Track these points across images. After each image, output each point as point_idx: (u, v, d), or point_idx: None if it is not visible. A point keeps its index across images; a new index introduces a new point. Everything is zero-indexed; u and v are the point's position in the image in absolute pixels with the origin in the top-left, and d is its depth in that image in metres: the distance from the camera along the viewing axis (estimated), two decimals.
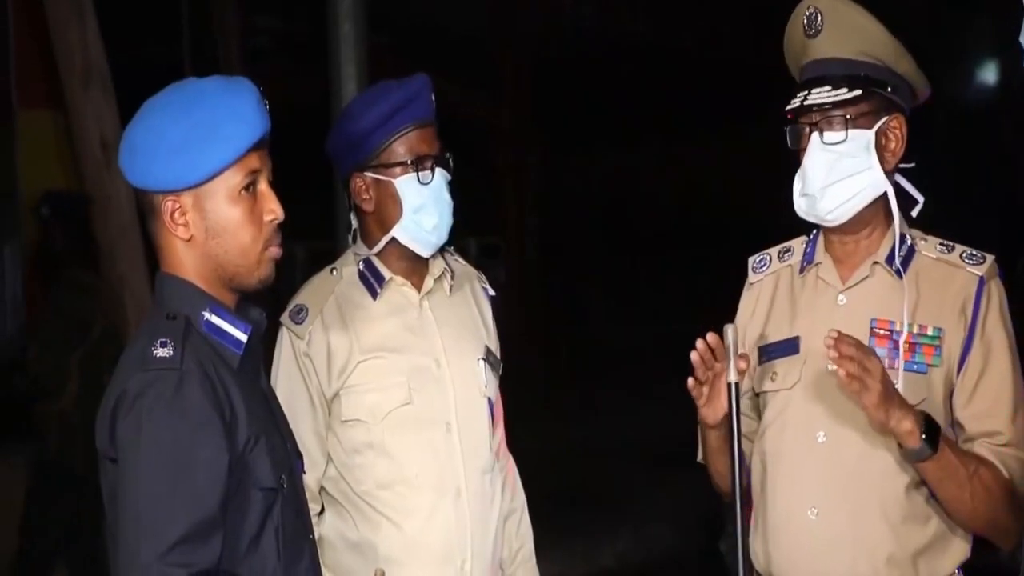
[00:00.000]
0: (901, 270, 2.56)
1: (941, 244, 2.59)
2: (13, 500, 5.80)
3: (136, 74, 6.58)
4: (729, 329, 2.49)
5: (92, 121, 6.41)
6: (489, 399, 2.93)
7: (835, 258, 2.62)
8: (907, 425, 2.38)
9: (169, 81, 2.27)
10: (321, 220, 5.31)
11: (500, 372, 3.00)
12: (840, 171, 2.52)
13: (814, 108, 2.53)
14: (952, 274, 2.55)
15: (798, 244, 2.71)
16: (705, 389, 2.54)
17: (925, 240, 2.61)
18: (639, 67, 12.85)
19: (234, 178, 2.13)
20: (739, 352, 2.50)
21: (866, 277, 2.58)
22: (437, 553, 2.82)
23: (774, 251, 2.76)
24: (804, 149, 2.56)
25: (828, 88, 2.52)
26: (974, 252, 2.57)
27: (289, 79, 9.71)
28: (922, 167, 2.68)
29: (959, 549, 2.54)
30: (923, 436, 2.39)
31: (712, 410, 2.55)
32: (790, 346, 2.61)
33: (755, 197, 8.73)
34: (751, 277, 2.77)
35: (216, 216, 2.13)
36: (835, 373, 2.39)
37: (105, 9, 6.58)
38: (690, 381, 2.53)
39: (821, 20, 2.54)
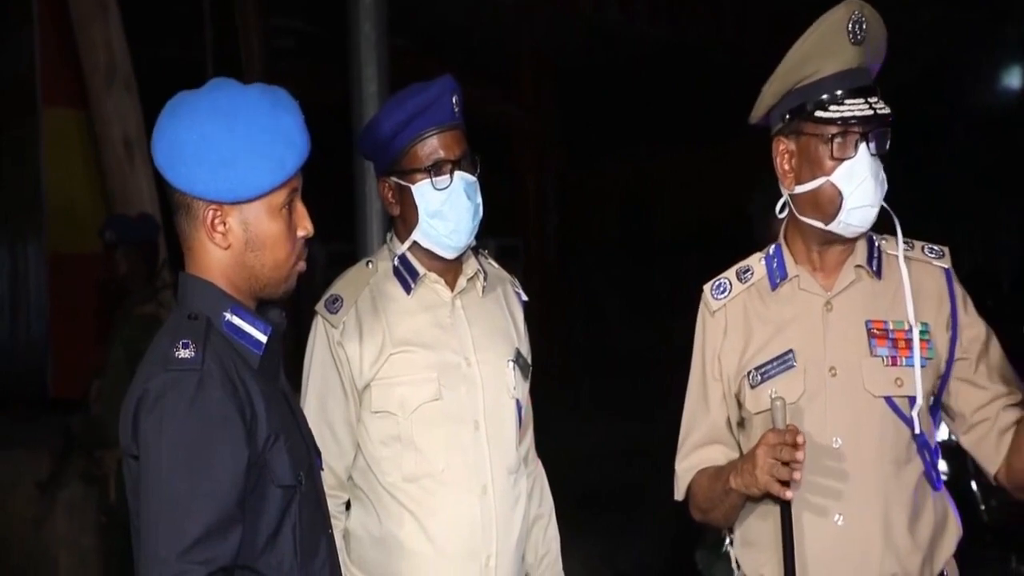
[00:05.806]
0: (880, 271, 2.60)
1: (904, 242, 2.63)
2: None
3: (158, 73, 6.62)
4: (779, 402, 2.47)
5: (115, 119, 6.45)
6: (517, 400, 2.93)
7: (812, 268, 2.63)
8: None
9: (191, 81, 2.26)
10: (342, 222, 5.30)
11: (529, 377, 3.00)
12: (883, 181, 2.54)
13: (875, 119, 2.51)
14: (922, 270, 2.61)
15: (756, 262, 2.70)
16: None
17: (885, 240, 2.65)
18: (660, 70, 12.84)
19: (278, 197, 2.16)
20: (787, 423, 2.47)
21: (853, 281, 2.60)
22: (462, 549, 2.83)
23: (731, 274, 2.72)
24: (845, 159, 2.52)
25: (876, 99, 2.52)
26: (932, 246, 2.65)
27: (310, 80, 9.74)
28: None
29: (955, 529, 2.61)
30: None
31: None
32: (785, 361, 2.60)
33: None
34: (712, 304, 2.70)
35: (257, 230, 2.16)
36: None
37: (128, 9, 6.61)
38: (788, 492, 2.44)
39: (865, 28, 2.52)
